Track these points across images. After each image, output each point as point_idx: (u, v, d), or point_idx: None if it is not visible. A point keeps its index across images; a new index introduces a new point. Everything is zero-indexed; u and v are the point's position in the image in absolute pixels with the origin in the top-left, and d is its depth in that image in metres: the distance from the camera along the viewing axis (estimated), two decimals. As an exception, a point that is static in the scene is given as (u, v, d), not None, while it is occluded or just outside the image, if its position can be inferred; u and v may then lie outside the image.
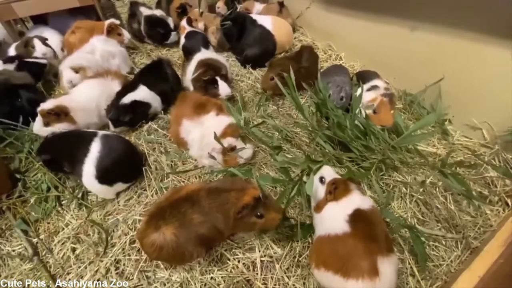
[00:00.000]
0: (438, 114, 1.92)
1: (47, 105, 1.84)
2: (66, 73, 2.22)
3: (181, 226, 1.23)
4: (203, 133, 1.74)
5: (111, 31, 2.64)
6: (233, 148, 1.69)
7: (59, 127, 1.85)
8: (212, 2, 3.33)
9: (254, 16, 2.79)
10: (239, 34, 2.66)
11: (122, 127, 2.05)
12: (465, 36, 1.76)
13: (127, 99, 1.99)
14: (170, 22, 2.90)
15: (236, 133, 1.73)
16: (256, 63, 2.64)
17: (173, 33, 2.89)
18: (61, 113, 1.86)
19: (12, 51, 2.48)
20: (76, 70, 2.22)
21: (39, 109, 1.83)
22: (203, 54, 2.34)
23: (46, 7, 2.62)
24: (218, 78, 2.07)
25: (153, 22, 2.85)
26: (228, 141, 1.67)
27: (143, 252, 1.44)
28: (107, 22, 2.62)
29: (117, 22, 2.71)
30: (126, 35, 2.74)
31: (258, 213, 1.27)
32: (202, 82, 2.07)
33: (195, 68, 2.21)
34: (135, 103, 2.00)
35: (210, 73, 2.07)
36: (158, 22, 2.85)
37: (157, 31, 2.86)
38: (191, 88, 2.23)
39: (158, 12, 2.94)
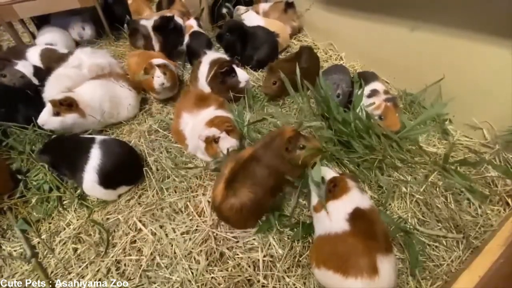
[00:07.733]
0: (442, 106, 1.86)
1: (58, 96, 1.84)
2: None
3: (254, 184, 1.38)
4: (194, 124, 1.76)
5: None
6: (216, 140, 1.70)
7: (70, 118, 1.85)
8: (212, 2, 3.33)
9: (245, 20, 2.81)
10: (242, 42, 2.62)
11: None
12: (465, 36, 1.76)
13: None
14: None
15: (223, 126, 1.69)
16: (266, 63, 2.49)
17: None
18: (73, 104, 1.86)
19: (34, 57, 2.40)
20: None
21: (49, 99, 1.82)
22: (212, 55, 2.35)
23: (46, 8, 2.64)
24: (234, 66, 2.11)
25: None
26: (212, 131, 1.67)
27: (143, 252, 1.45)
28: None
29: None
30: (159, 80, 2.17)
31: (301, 145, 1.46)
32: (220, 76, 2.10)
33: (208, 69, 2.22)
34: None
35: (226, 64, 2.10)
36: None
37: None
38: (207, 90, 2.19)
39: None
